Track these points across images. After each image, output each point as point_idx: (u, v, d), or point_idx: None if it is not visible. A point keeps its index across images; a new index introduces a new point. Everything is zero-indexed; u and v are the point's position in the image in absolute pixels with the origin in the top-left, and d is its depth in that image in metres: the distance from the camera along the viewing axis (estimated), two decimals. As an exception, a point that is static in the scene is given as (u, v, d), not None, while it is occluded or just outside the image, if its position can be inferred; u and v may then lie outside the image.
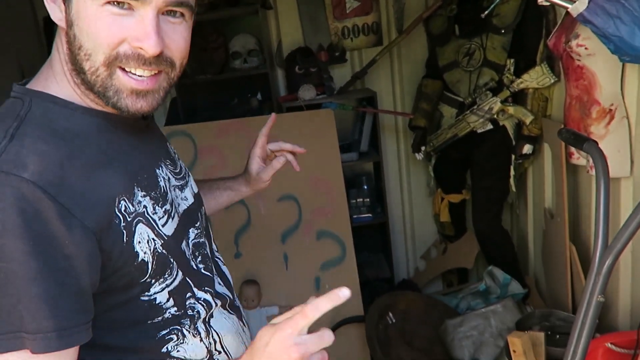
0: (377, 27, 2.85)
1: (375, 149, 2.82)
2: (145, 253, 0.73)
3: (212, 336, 0.85)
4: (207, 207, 1.03)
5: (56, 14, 0.70)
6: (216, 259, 0.96)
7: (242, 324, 0.93)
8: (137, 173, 0.76)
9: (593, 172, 1.77)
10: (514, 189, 2.44)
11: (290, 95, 2.75)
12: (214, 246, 0.97)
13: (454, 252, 2.85)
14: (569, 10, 1.46)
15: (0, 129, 0.65)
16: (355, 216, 2.77)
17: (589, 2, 1.35)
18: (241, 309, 0.96)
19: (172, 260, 0.78)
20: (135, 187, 0.74)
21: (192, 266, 0.84)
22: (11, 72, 2.39)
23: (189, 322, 0.82)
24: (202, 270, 0.87)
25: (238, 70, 2.77)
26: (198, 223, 0.90)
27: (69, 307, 0.63)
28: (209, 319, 0.85)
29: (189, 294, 0.82)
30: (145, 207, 0.74)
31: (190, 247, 0.85)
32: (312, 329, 0.66)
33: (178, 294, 0.80)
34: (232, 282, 0.97)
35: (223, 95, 2.90)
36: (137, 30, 0.66)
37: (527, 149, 2.28)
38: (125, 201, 0.71)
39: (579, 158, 1.91)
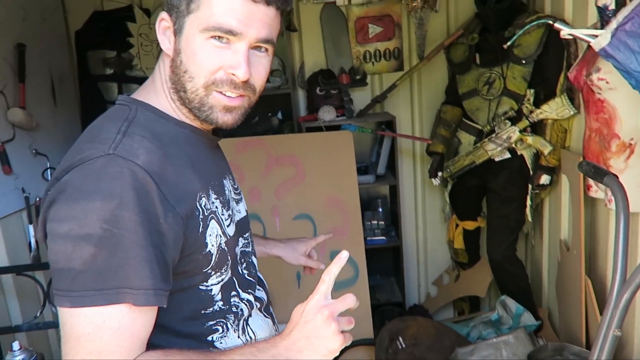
0: (399, 52, 2.89)
1: (392, 173, 2.83)
2: (212, 246, 0.85)
3: (249, 334, 0.95)
4: None
5: (165, 44, 0.86)
6: (257, 270, 1.07)
7: (275, 328, 1.04)
8: (211, 179, 0.90)
9: (611, 206, 1.76)
10: (530, 218, 2.43)
11: (310, 115, 2.80)
12: (255, 259, 1.07)
13: (467, 279, 2.83)
14: (591, 44, 1.48)
15: (114, 127, 0.80)
16: (369, 238, 2.78)
17: (611, 37, 1.37)
18: (274, 315, 1.06)
19: (229, 258, 0.90)
20: (210, 190, 0.88)
21: (238, 269, 0.96)
22: (42, 80, 2.47)
23: (232, 317, 0.92)
24: (246, 276, 0.98)
25: (260, 89, 2.82)
26: (247, 234, 1.03)
27: (161, 273, 0.75)
28: (247, 318, 0.96)
29: (233, 293, 0.93)
30: (216, 207, 0.88)
31: (239, 253, 0.97)
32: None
33: (226, 291, 0.91)
34: (268, 289, 1.07)
35: (244, 112, 2.96)
36: (232, 60, 0.82)
37: (544, 179, 2.28)
38: (205, 198, 0.85)
39: (597, 191, 1.90)
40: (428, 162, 2.72)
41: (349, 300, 0.79)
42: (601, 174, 1.23)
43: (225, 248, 0.89)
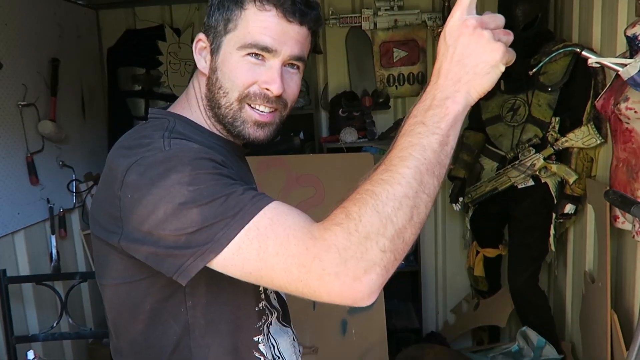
0: (423, 77, 2.90)
1: (412, 196, 2.80)
2: None
3: (271, 340, 0.95)
4: None
5: (201, 63, 0.90)
6: None
7: (294, 336, 1.04)
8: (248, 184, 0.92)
9: (639, 238, 1.71)
10: (553, 248, 2.37)
11: (332, 136, 2.81)
12: None
13: (487, 308, 2.76)
14: (619, 73, 1.46)
15: (157, 135, 0.81)
16: (387, 262, 2.74)
17: (640, 67, 1.35)
18: (292, 327, 1.05)
19: None
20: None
21: None
22: (73, 95, 2.55)
23: (263, 321, 0.93)
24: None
25: (284, 109, 2.85)
26: None
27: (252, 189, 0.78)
28: (269, 325, 0.96)
29: (263, 296, 0.94)
30: None
31: None
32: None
33: (263, 294, 0.93)
34: (287, 302, 1.05)
35: (267, 132, 2.99)
36: (267, 75, 0.85)
37: (569, 208, 2.23)
38: None
39: (624, 222, 1.85)
40: (449, 186, 2.69)
41: (499, 17, 0.70)
42: (629, 203, 1.20)
43: None
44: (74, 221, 2.52)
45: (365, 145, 2.66)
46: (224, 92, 0.87)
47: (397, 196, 0.66)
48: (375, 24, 2.83)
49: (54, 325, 2.00)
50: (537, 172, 2.31)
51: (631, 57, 1.57)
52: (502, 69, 0.69)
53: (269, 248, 0.68)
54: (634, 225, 1.75)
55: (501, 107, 2.42)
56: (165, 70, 2.87)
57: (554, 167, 2.26)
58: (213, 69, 0.88)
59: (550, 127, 2.27)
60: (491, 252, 2.66)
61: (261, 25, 0.84)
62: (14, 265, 2.08)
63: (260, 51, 0.84)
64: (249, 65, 0.85)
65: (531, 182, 2.36)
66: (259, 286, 0.91)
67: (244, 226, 0.69)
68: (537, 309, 2.47)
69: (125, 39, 2.89)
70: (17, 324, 1.97)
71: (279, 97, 0.87)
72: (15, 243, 2.10)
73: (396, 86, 2.92)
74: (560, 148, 2.24)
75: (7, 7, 2.06)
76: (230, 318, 0.87)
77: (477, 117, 2.57)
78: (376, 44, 2.88)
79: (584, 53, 1.61)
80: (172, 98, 2.88)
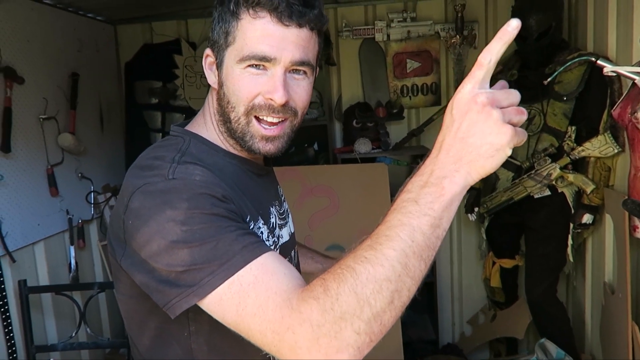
0: (436, 87, 2.91)
1: (426, 206, 2.79)
2: None
3: None
4: None
5: (211, 78, 0.90)
6: None
7: None
8: (259, 207, 0.91)
9: (659, 248, 1.68)
10: (571, 259, 2.34)
11: (346, 147, 2.82)
12: None
13: (504, 320, 2.73)
14: (636, 81, 1.45)
15: (169, 156, 0.82)
16: (402, 272, 2.73)
17: (657, 75, 1.34)
18: None
19: None
20: (259, 216, 0.89)
21: None
22: (91, 108, 2.60)
23: None
24: None
25: (298, 120, 2.88)
26: (288, 259, 1.00)
27: (249, 233, 0.78)
28: None
29: None
30: (262, 233, 0.88)
31: None
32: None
33: None
34: None
35: (281, 143, 3.02)
36: (269, 85, 0.83)
37: (586, 218, 2.20)
38: (253, 224, 0.85)
39: (644, 232, 1.82)
40: (464, 196, 2.67)
41: (513, 94, 0.64)
42: (648, 213, 1.18)
43: None
44: (92, 232, 2.55)
45: (380, 156, 2.67)
46: (232, 107, 0.86)
47: (377, 279, 0.63)
48: (388, 36, 2.84)
49: (73, 335, 2.03)
50: (553, 182, 2.29)
51: (647, 65, 1.56)
52: (509, 152, 0.64)
53: (247, 307, 0.68)
54: (654, 235, 1.73)
55: (516, 117, 2.41)
56: (182, 83, 2.92)
57: (570, 177, 2.24)
58: (220, 84, 0.87)
59: (567, 136, 2.25)
60: (508, 263, 2.63)
61: (257, 34, 0.81)
62: (34, 276, 2.11)
63: (259, 61, 0.82)
64: (251, 77, 0.83)
65: (548, 192, 2.33)
66: None
67: (228, 278, 0.69)
68: (556, 321, 2.43)
69: (142, 53, 2.95)
70: (36, 333, 2.01)
71: (285, 106, 0.84)
72: (36, 253, 2.13)
73: (410, 97, 2.92)
74: (577, 157, 2.22)
75: (29, 24, 2.12)
76: (235, 344, 0.82)
77: (491, 127, 2.56)
78: (389, 55, 2.89)
79: (599, 62, 1.61)
80: (188, 110, 2.94)
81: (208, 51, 0.89)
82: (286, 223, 1.05)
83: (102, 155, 2.67)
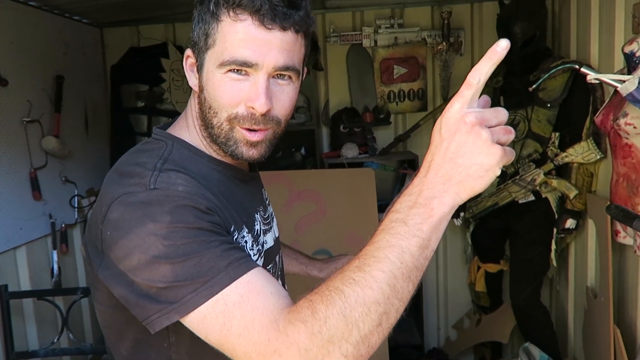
0: (423, 93, 2.93)
1: (413, 211, 2.81)
2: None
3: None
4: None
5: (192, 80, 0.86)
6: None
7: None
8: (244, 214, 0.88)
9: (640, 253, 1.71)
10: (555, 263, 2.37)
11: (333, 152, 2.83)
12: (284, 286, 1.02)
13: (489, 324, 2.75)
14: (618, 89, 1.48)
15: (151, 163, 0.78)
16: (388, 277, 2.74)
17: (638, 83, 1.37)
18: None
19: None
20: (243, 224, 0.86)
21: None
22: (77, 111, 2.58)
23: None
24: None
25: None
26: (272, 264, 0.98)
27: (234, 248, 0.74)
28: None
29: None
30: (246, 242, 0.86)
31: None
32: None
33: None
34: None
35: (268, 147, 3.01)
36: (251, 92, 0.79)
37: (570, 223, 2.23)
38: (237, 233, 0.82)
39: (626, 237, 1.85)
40: (450, 202, 2.70)
41: (502, 112, 0.64)
42: (631, 217, 1.20)
43: None
44: (76, 236, 2.52)
45: (367, 161, 2.68)
46: (213, 112, 0.81)
47: (366, 302, 0.62)
48: (375, 42, 2.87)
49: (55, 340, 1.99)
50: (537, 187, 2.32)
51: (629, 73, 1.59)
52: (498, 172, 0.63)
53: (232, 328, 0.66)
54: (636, 240, 1.76)
55: (501, 123, 2.44)
56: (169, 87, 2.91)
57: (554, 182, 2.27)
58: (201, 87, 0.83)
59: (550, 142, 2.29)
60: (492, 268, 2.65)
61: (237, 37, 0.76)
62: (16, 281, 2.07)
63: (240, 67, 0.77)
64: (232, 82, 0.79)
65: (532, 197, 2.36)
66: None
67: (213, 297, 0.67)
68: (539, 325, 2.46)
69: (129, 56, 2.93)
70: (17, 339, 1.97)
71: (266, 115, 0.80)
72: (17, 258, 2.10)
73: (397, 102, 2.95)
74: (561, 163, 2.25)
75: (14, 25, 2.09)
76: (218, 354, 0.78)
77: (477, 133, 2.59)
78: (377, 61, 2.91)
79: (582, 70, 1.64)
80: (174, 114, 2.89)
81: (189, 52, 0.85)
82: (271, 228, 1.02)
83: (86, 159, 2.64)
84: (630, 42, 1.63)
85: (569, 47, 2.36)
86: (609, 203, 1.83)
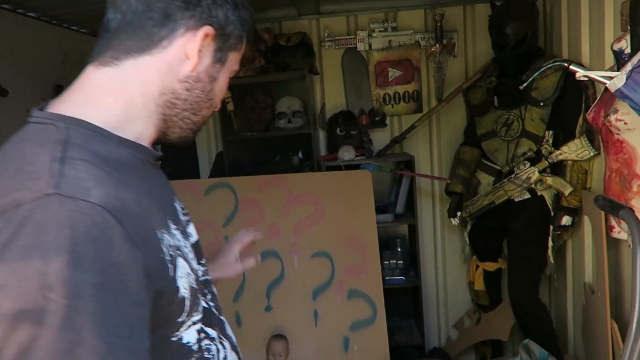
0: (418, 95, 2.96)
1: (410, 212, 2.84)
2: (185, 289, 0.70)
3: None
4: None
5: (205, 60, 0.75)
6: (218, 300, 0.88)
7: None
8: (166, 205, 0.76)
9: (634, 247, 1.74)
10: (552, 260, 2.39)
11: (330, 155, 2.85)
12: (214, 288, 0.89)
13: (488, 322, 2.76)
14: (607, 85, 1.51)
15: (44, 153, 0.59)
16: (387, 278, 2.76)
17: (626, 79, 1.40)
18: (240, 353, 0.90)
19: (199, 297, 0.76)
20: (168, 219, 0.72)
21: (204, 304, 0.78)
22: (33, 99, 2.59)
23: None
24: (213, 309, 0.82)
25: (282, 129, 2.91)
26: (203, 260, 0.86)
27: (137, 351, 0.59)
28: None
29: (203, 335, 0.76)
30: (178, 239, 0.73)
31: (200, 283, 0.79)
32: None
33: (200, 336, 0.76)
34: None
35: (266, 151, 3.03)
36: (222, 96, 0.84)
37: (566, 220, 2.26)
38: (166, 234, 0.69)
39: (620, 232, 1.87)
40: (447, 202, 2.72)
41: None
42: (617, 207, 1.23)
43: (195, 286, 0.74)
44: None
45: (363, 163, 2.70)
46: (211, 105, 0.81)
47: None
48: (370, 45, 2.90)
49: None
50: (533, 185, 2.35)
51: (618, 70, 1.62)
52: None
53: None
54: (629, 235, 1.78)
55: (495, 123, 2.47)
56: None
57: (549, 180, 2.30)
58: (212, 77, 0.78)
59: (544, 140, 2.32)
60: (491, 266, 2.67)
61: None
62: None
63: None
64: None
65: (527, 196, 2.39)
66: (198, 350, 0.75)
67: None
68: (539, 322, 2.47)
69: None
70: None
71: None
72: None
73: (392, 104, 2.98)
74: (555, 161, 2.28)
75: (14, 36, 2.12)
76: None
77: (472, 133, 2.62)
78: (371, 64, 2.94)
79: (571, 67, 1.67)
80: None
81: (211, 32, 0.73)
82: (190, 219, 0.87)
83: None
84: (619, 39, 1.66)
85: (560, 47, 2.40)
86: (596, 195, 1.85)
